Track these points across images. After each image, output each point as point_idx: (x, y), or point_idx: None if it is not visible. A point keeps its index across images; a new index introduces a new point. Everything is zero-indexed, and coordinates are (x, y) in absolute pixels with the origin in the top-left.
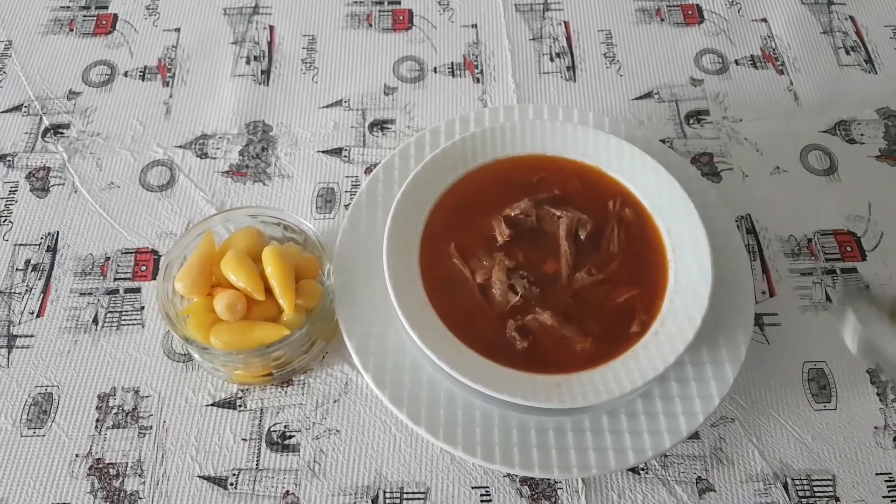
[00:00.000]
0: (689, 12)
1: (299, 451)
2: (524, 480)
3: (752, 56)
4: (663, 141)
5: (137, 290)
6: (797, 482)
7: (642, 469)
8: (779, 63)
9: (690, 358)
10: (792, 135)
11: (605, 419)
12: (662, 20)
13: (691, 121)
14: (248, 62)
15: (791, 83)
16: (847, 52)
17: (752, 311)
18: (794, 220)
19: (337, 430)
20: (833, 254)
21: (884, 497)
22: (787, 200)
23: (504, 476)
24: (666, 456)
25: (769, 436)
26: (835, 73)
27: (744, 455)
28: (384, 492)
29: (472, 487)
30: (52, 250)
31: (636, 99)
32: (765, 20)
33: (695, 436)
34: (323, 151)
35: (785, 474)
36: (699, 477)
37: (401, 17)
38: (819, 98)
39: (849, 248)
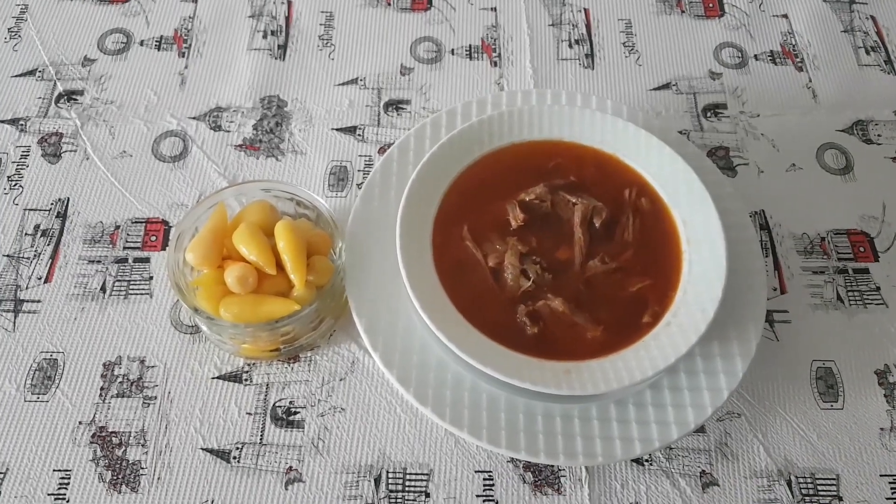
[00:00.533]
0: (710, 5)
1: (303, 428)
2: (528, 466)
3: (771, 52)
4: (680, 133)
5: (147, 260)
6: (801, 480)
7: (646, 460)
8: (798, 60)
9: (701, 350)
10: (809, 132)
11: (612, 408)
12: (683, 12)
13: (708, 114)
14: (264, 36)
15: (810, 80)
16: (867, 52)
17: (763, 305)
18: (807, 218)
19: (342, 409)
20: (846, 253)
21: (887, 499)
22: (802, 198)
23: (507, 461)
24: (671, 448)
25: (775, 433)
26: (854, 73)
27: (749, 451)
28: (387, 472)
29: (476, 471)
30: (62, 216)
31: (654, 90)
32: (786, 16)
33: (700, 429)
34: (337, 129)
35: (789, 472)
36: (703, 471)
37: None
38: (837, 97)
39: (862, 249)
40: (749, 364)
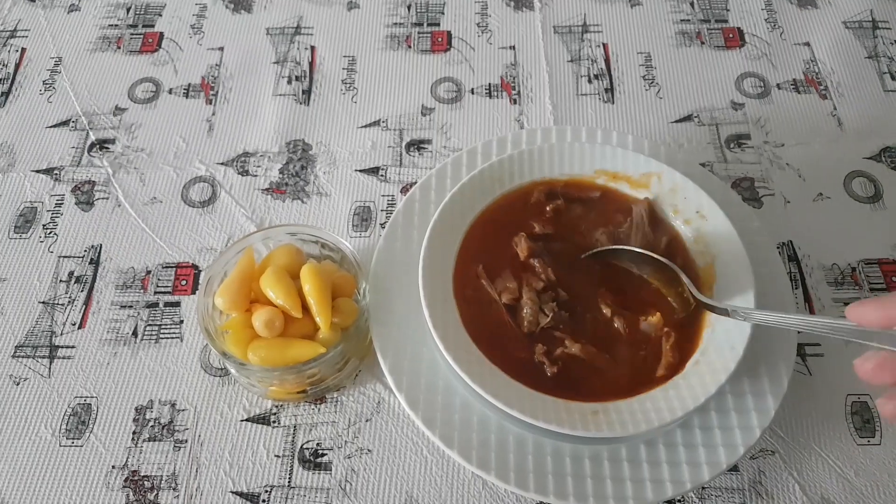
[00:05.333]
0: (731, 35)
1: (331, 470)
2: None
3: (794, 80)
4: (703, 165)
5: (177, 304)
6: None
7: (679, 501)
8: (822, 87)
9: (731, 388)
10: (835, 161)
11: (642, 449)
12: (703, 43)
13: (732, 145)
14: (289, 82)
15: (834, 108)
16: (893, 78)
17: (794, 340)
18: (837, 249)
19: (369, 450)
20: (878, 283)
21: None
22: (831, 228)
23: None
24: (703, 488)
25: (810, 470)
26: (880, 99)
27: (784, 489)
28: None
29: None
30: (95, 263)
31: (675, 122)
32: (807, 44)
33: (733, 468)
34: (360, 170)
35: None
36: None
37: (439, 39)
38: (863, 124)
39: (894, 278)
40: (781, 400)
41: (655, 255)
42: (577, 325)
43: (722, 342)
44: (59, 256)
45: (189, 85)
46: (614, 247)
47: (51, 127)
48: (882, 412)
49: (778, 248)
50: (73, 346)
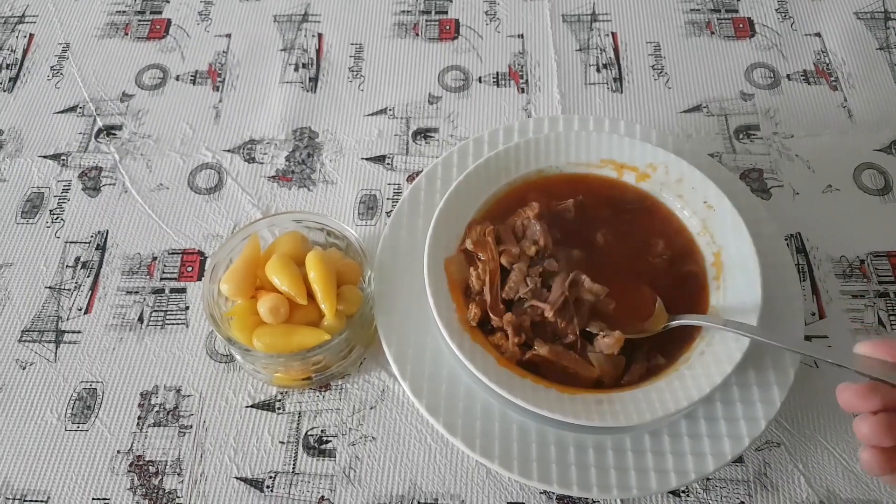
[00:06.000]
0: (741, 26)
1: (335, 457)
2: (561, 498)
3: (804, 71)
4: (712, 155)
5: (183, 291)
6: None
7: (683, 492)
8: (832, 79)
9: (737, 379)
10: (845, 152)
11: (647, 439)
12: (713, 33)
13: (741, 136)
14: (296, 69)
15: (845, 100)
16: None
17: (801, 332)
18: (846, 241)
19: (373, 437)
20: (886, 276)
21: None
22: (839, 220)
23: (541, 493)
24: (708, 479)
25: (816, 462)
26: (891, 91)
27: (789, 481)
28: (419, 502)
29: (508, 503)
30: (102, 248)
31: (684, 112)
32: (818, 35)
33: (738, 460)
34: (366, 158)
35: (832, 503)
36: (742, 502)
37: (447, 27)
38: (874, 116)
39: None
40: (787, 392)
41: None
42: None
43: (727, 334)
44: (66, 242)
45: (196, 72)
46: None
47: (58, 113)
48: (858, 431)
49: (786, 239)
50: (79, 332)
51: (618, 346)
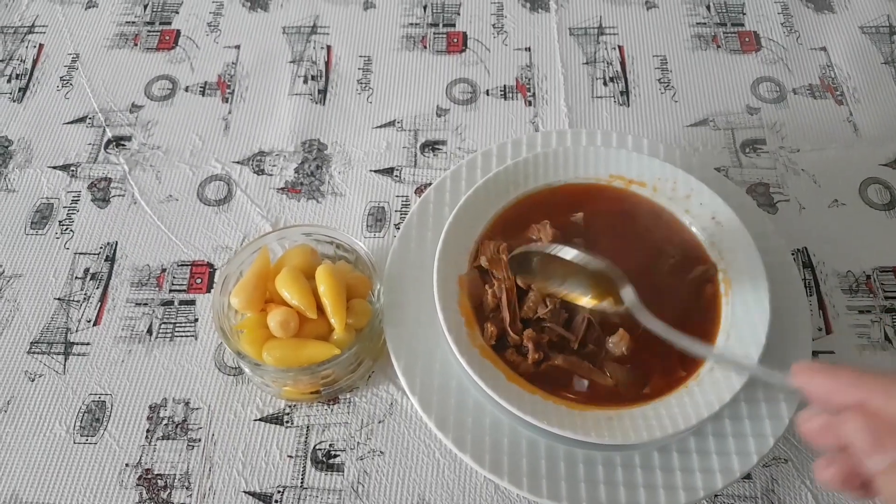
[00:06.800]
0: (747, 39)
1: (343, 471)
2: None
3: (810, 85)
4: (718, 169)
5: (192, 303)
6: None
7: None
8: (838, 93)
9: (745, 395)
10: (851, 167)
11: (655, 455)
12: (719, 47)
13: (747, 150)
14: (305, 81)
15: (851, 114)
16: None
17: (809, 347)
18: (852, 256)
19: (381, 452)
20: (893, 291)
21: None
22: (846, 235)
23: None
24: (716, 496)
25: None
26: None
27: (796, 498)
28: None
29: None
30: (111, 260)
31: (691, 126)
32: (824, 49)
33: (746, 476)
34: (375, 171)
35: None
36: None
37: (455, 40)
38: (880, 130)
39: None
40: (796, 408)
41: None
42: (570, 327)
43: (736, 349)
44: (75, 253)
45: (205, 83)
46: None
47: (68, 123)
48: (819, 477)
49: (793, 254)
50: (88, 343)
51: (624, 342)
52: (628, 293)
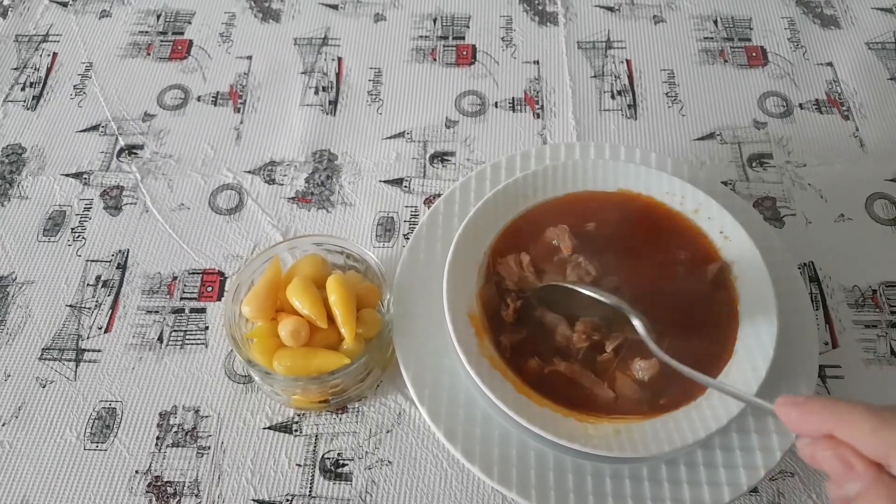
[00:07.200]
0: (754, 54)
1: (351, 481)
2: None
3: (816, 100)
4: (725, 183)
5: (203, 311)
6: None
7: None
8: (844, 108)
9: (752, 409)
10: (857, 182)
11: (663, 468)
12: (726, 61)
13: (754, 164)
14: (316, 92)
15: (857, 129)
16: None
17: (815, 360)
18: (858, 270)
19: (389, 462)
20: None
21: None
22: (852, 249)
23: None
24: None
25: None
26: None
27: None
28: None
29: None
30: (122, 267)
31: (698, 139)
32: (830, 64)
33: (753, 490)
34: (384, 181)
35: None
36: None
37: (464, 53)
38: (886, 145)
39: None
40: None
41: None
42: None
43: (744, 363)
44: (87, 260)
45: (217, 93)
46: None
47: (81, 131)
48: (801, 453)
49: (799, 268)
50: (99, 350)
51: (650, 372)
52: (639, 327)
